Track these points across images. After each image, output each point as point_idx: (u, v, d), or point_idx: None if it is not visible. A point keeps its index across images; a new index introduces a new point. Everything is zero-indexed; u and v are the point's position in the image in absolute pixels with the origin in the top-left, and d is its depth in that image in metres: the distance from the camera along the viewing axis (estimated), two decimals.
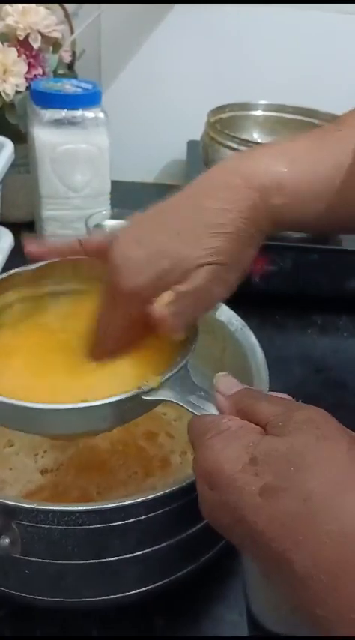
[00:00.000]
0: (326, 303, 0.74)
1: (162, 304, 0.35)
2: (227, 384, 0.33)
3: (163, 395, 0.34)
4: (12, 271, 0.43)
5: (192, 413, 0.33)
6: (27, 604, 0.38)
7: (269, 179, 0.37)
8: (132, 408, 0.35)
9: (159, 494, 0.35)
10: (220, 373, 0.34)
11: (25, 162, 0.76)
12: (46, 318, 0.44)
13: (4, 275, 0.43)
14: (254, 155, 0.39)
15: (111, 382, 0.37)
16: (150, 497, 0.35)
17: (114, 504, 0.34)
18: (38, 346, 0.41)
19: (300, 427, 0.27)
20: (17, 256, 0.76)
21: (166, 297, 0.35)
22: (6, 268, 0.72)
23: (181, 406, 0.34)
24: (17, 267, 0.68)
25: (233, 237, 0.36)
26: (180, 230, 0.36)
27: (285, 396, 0.31)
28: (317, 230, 0.41)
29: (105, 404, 0.33)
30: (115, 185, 0.76)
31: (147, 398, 0.34)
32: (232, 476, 0.26)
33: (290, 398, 0.31)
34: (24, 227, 0.78)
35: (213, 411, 0.32)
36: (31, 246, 0.42)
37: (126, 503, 0.34)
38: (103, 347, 0.39)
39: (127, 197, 0.78)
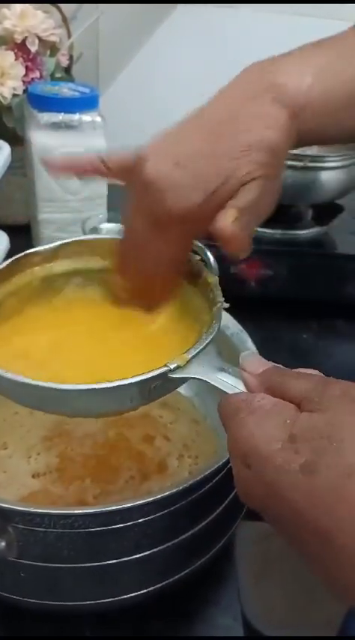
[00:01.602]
0: (322, 308, 0.74)
1: (229, 222, 0.35)
2: (254, 362, 0.32)
3: (191, 372, 0.34)
4: (30, 251, 0.43)
5: (222, 391, 0.32)
6: (21, 607, 0.38)
7: (300, 96, 0.37)
8: (159, 386, 0.34)
9: (155, 497, 0.35)
10: (245, 352, 0.33)
11: (21, 164, 0.76)
12: (68, 296, 0.44)
13: (20, 255, 0.43)
14: (278, 67, 0.39)
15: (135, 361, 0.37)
16: (145, 500, 0.35)
17: (109, 508, 0.34)
18: (61, 324, 0.42)
19: (336, 401, 0.26)
20: None
21: (230, 214, 0.35)
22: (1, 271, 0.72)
23: (209, 383, 0.33)
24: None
25: (275, 150, 0.36)
26: (223, 146, 0.35)
27: (313, 371, 0.31)
28: (341, 141, 0.41)
29: (132, 383, 0.33)
30: (111, 188, 0.76)
31: (174, 376, 0.34)
32: (271, 454, 0.26)
33: (319, 372, 0.30)
34: (20, 230, 0.78)
35: (243, 388, 0.32)
36: (50, 160, 0.41)
37: (122, 507, 0.35)
38: (149, 286, 0.38)
39: (123, 200, 0.78)
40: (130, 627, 0.42)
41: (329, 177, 0.69)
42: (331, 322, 0.74)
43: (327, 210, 0.73)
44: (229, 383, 0.32)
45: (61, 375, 0.35)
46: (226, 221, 0.34)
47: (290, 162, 0.68)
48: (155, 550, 0.37)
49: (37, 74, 0.72)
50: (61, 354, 0.40)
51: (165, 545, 0.38)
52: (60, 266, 0.45)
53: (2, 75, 0.68)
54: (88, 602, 0.38)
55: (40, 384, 0.32)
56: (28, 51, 0.70)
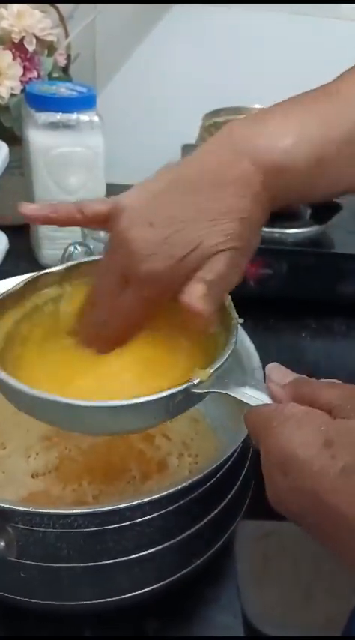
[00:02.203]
0: (320, 307, 0.74)
1: (198, 297, 0.34)
2: (280, 373, 0.33)
3: (214, 387, 0.34)
4: (41, 273, 0.43)
5: (247, 404, 0.33)
6: (21, 607, 0.38)
7: (276, 159, 0.36)
8: (182, 402, 0.35)
9: (154, 497, 0.35)
10: (271, 364, 0.34)
11: (19, 164, 0.76)
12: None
13: (31, 276, 0.42)
14: (258, 128, 0.37)
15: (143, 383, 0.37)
16: (144, 500, 0.35)
17: (108, 508, 0.35)
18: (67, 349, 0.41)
19: None
20: (12, 259, 0.76)
21: (199, 289, 0.35)
22: (4, 268, 0.72)
23: (233, 398, 0.34)
24: (11, 269, 0.68)
25: (247, 221, 0.36)
26: (195, 214, 0.35)
27: (334, 381, 0.32)
28: (317, 199, 0.40)
29: (158, 399, 0.33)
30: (108, 188, 0.76)
31: (198, 391, 0.34)
32: (308, 460, 0.27)
33: (340, 382, 0.32)
34: (19, 230, 0.78)
35: (267, 401, 0.32)
36: (26, 209, 0.41)
37: (121, 506, 0.35)
38: (107, 334, 0.38)
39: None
40: (129, 626, 0.42)
41: None
42: (329, 321, 0.74)
43: (326, 209, 0.73)
44: (253, 396, 0.33)
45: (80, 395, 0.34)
46: (195, 295, 0.34)
47: None
48: (155, 549, 0.37)
49: (34, 74, 0.71)
50: (73, 378, 0.39)
51: (164, 545, 0.38)
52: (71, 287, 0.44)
53: (0, 75, 0.68)
54: (88, 602, 0.38)
55: (71, 401, 0.33)
56: (26, 51, 0.70)
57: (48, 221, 0.40)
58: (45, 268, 0.43)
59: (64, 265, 0.43)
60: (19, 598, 0.37)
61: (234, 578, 0.46)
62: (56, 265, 0.44)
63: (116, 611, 0.41)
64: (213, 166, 0.36)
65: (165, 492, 0.35)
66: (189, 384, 0.34)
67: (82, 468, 0.48)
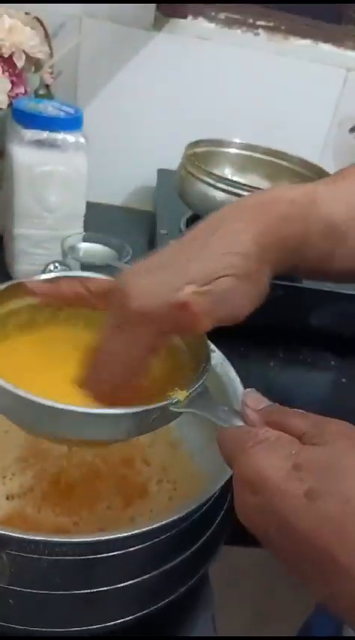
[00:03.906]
0: (289, 337, 0.77)
1: (187, 293, 0.35)
2: (254, 398, 0.35)
3: (190, 407, 0.37)
4: (18, 280, 0.43)
5: (220, 425, 0.35)
6: (6, 634, 0.38)
7: (272, 211, 0.38)
8: (157, 419, 0.36)
9: (152, 527, 0.35)
10: (247, 389, 0.36)
11: None
12: (56, 328, 0.46)
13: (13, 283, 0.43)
14: (260, 195, 0.40)
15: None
16: (141, 530, 0.35)
17: (106, 537, 0.35)
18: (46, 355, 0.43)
19: (335, 438, 0.30)
20: None
21: (189, 288, 0.35)
22: None
23: (208, 418, 0.36)
24: None
25: (247, 255, 0.36)
26: (192, 256, 0.36)
27: (302, 412, 0.34)
28: (317, 272, 0.41)
29: (134, 412, 0.35)
30: (89, 207, 0.76)
31: (174, 409, 0.36)
32: (277, 481, 0.29)
33: (306, 413, 0.34)
34: None
35: (240, 423, 0.34)
36: (33, 286, 0.42)
37: (119, 536, 0.35)
38: (103, 382, 0.39)
39: (96, 219, 0.78)
40: None
41: None
42: (296, 351, 0.77)
43: None
44: (226, 419, 0.35)
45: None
46: (183, 293, 0.35)
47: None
48: (143, 578, 0.38)
49: (22, 90, 0.71)
50: (52, 385, 0.40)
51: (153, 573, 0.38)
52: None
53: None
54: (75, 629, 0.38)
55: (44, 402, 0.33)
56: (14, 66, 0.70)
57: (53, 299, 0.43)
58: None
59: (44, 277, 0.45)
60: (5, 625, 0.37)
61: (209, 605, 0.46)
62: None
63: (100, 637, 0.41)
64: (218, 221, 0.38)
65: (163, 522, 0.35)
66: (168, 401, 0.36)
67: (61, 491, 0.48)
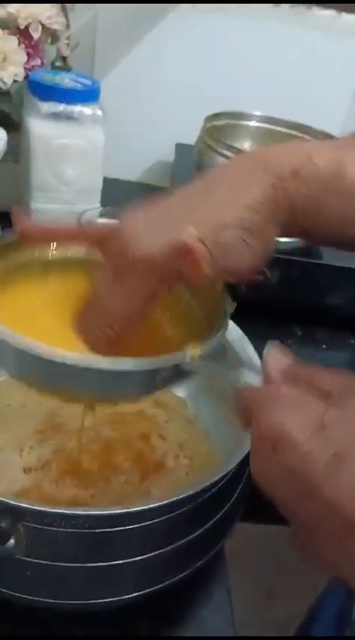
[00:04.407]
0: (307, 316, 0.76)
1: (190, 236, 0.33)
2: (278, 356, 0.32)
3: (205, 364, 0.34)
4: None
5: (237, 384, 0.33)
6: (23, 605, 0.38)
7: (285, 164, 0.35)
8: (167, 377, 0.34)
9: (168, 500, 0.35)
10: (270, 344, 0.33)
11: (12, 150, 0.75)
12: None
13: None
14: (273, 147, 0.37)
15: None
16: (157, 504, 0.35)
17: (122, 510, 0.35)
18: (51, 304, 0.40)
19: None
20: None
21: (193, 231, 0.33)
22: None
23: (215, 381, 0.34)
24: None
25: (253, 208, 0.34)
26: (197, 204, 0.35)
27: (329, 369, 0.31)
28: (330, 237, 0.38)
29: (143, 368, 0.33)
30: (106, 183, 0.75)
31: (188, 366, 0.34)
32: (301, 443, 0.27)
33: (335, 371, 0.31)
34: (4, 217, 0.77)
35: (258, 382, 0.32)
36: (23, 225, 0.39)
37: (134, 509, 0.35)
38: (100, 332, 0.36)
39: (113, 195, 0.77)
40: (121, 626, 0.42)
41: None
42: (313, 330, 0.76)
43: None
44: (244, 378, 0.33)
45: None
46: (185, 234, 0.33)
47: None
48: (159, 552, 0.38)
49: (38, 62, 0.70)
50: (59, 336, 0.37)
51: (169, 547, 0.38)
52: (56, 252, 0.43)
53: (4, 59, 0.66)
54: (90, 602, 0.38)
55: (51, 356, 0.31)
56: (31, 37, 0.69)
57: (47, 239, 0.41)
58: None
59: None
60: (22, 596, 0.37)
61: (225, 580, 0.47)
62: None
63: (110, 611, 0.41)
64: (222, 175, 0.36)
65: (181, 496, 0.35)
66: (180, 357, 0.33)
67: (78, 464, 0.48)
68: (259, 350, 0.51)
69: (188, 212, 0.34)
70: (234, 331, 0.50)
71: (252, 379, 0.44)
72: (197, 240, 0.33)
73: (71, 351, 0.33)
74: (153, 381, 0.34)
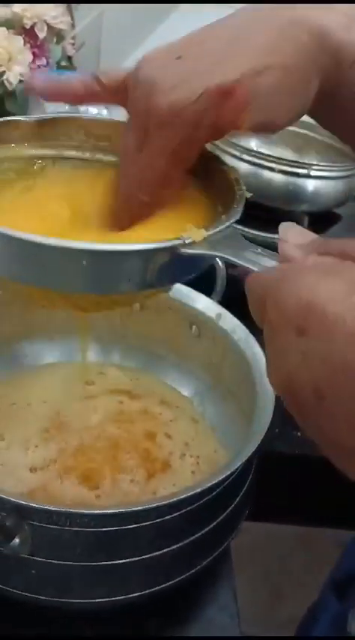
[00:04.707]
0: None
1: (227, 74, 0.28)
2: (298, 232, 0.26)
3: (210, 249, 0.28)
4: (7, 118, 0.37)
5: (250, 269, 0.26)
6: (28, 603, 0.38)
7: (327, 19, 0.29)
8: (165, 267, 0.29)
9: (173, 500, 0.35)
10: (286, 222, 0.26)
11: None
12: (50, 183, 0.38)
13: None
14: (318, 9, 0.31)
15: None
16: (163, 503, 0.35)
17: (127, 509, 0.35)
18: (43, 214, 0.35)
19: None
20: None
21: (230, 69, 0.28)
22: None
23: (233, 262, 0.27)
24: None
25: (299, 52, 0.29)
26: (234, 40, 0.29)
27: None
28: None
29: (137, 250, 0.28)
30: None
31: (187, 251, 0.28)
32: (338, 316, 0.20)
33: None
34: None
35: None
36: (38, 80, 0.35)
37: (140, 508, 0.35)
38: (134, 205, 0.32)
39: None
40: (128, 625, 0.42)
41: (329, 186, 0.70)
42: None
43: (325, 219, 0.74)
44: (258, 262, 0.26)
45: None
46: (222, 75, 0.28)
47: (293, 170, 0.69)
48: (165, 550, 0.38)
49: (43, 61, 0.70)
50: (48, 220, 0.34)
51: (174, 546, 0.38)
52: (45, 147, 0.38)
53: (10, 60, 0.66)
54: (95, 601, 0.38)
55: (33, 238, 0.27)
56: (36, 37, 0.69)
57: (62, 95, 0.34)
58: None
59: (36, 117, 0.37)
60: (27, 595, 0.37)
61: (231, 579, 0.46)
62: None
63: (116, 611, 0.41)
64: (251, 14, 0.31)
65: (187, 494, 0.35)
66: (178, 241, 0.28)
67: (84, 463, 0.48)
68: (263, 347, 0.51)
69: (224, 50, 0.29)
70: (238, 330, 0.50)
71: None
72: (237, 82, 0.28)
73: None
74: (147, 271, 0.29)
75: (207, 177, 0.36)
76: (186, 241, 0.28)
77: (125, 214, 0.33)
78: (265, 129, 0.31)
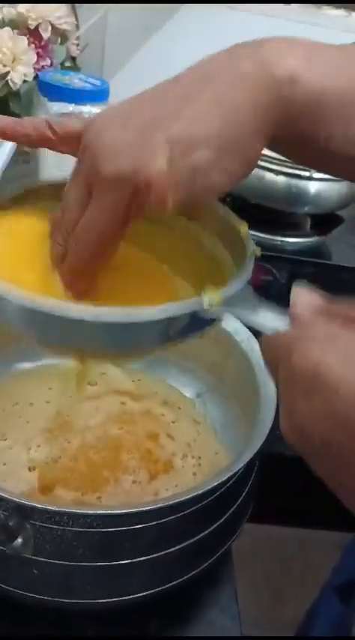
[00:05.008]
0: None
1: (158, 164, 0.29)
2: (307, 297, 0.28)
3: (227, 309, 0.29)
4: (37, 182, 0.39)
5: (262, 332, 0.29)
6: (30, 603, 0.38)
7: (282, 68, 0.30)
8: (183, 327, 0.30)
9: (175, 501, 0.35)
10: (297, 285, 0.29)
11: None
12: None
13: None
14: (266, 42, 0.32)
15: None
16: (166, 504, 0.35)
17: (130, 510, 0.35)
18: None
19: None
20: None
21: (161, 152, 0.29)
22: None
23: (248, 323, 0.30)
24: None
25: (239, 122, 0.30)
26: (175, 110, 0.30)
27: None
28: (324, 156, 0.33)
29: (158, 315, 0.28)
30: None
31: (207, 312, 0.29)
32: (341, 379, 0.23)
33: None
34: None
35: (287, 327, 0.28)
36: None
37: (142, 509, 0.35)
38: (71, 257, 0.32)
39: None
40: (129, 626, 0.42)
41: (331, 188, 0.71)
42: None
43: (327, 221, 0.74)
44: (271, 325, 0.28)
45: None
46: (155, 164, 0.29)
47: (295, 172, 0.69)
48: (166, 552, 0.38)
49: (47, 62, 0.71)
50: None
51: (175, 548, 0.38)
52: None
53: (14, 60, 0.66)
54: (96, 601, 0.38)
55: (51, 303, 0.28)
56: (41, 37, 0.69)
57: (13, 135, 0.35)
58: None
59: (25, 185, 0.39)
60: (29, 595, 0.37)
61: (232, 581, 0.47)
62: None
63: (118, 611, 0.41)
64: (211, 63, 0.32)
65: (189, 496, 0.35)
66: (197, 304, 0.29)
67: (86, 463, 0.48)
68: None
69: (164, 122, 0.30)
70: (241, 331, 0.50)
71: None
72: (161, 171, 0.29)
73: (69, 302, 0.29)
74: (167, 332, 0.30)
75: (215, 228, 0.37)
76: (204, 302, 0.29)
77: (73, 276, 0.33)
78: (204, 197, 0.32)
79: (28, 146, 0.37)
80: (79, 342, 0.30)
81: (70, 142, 0.33)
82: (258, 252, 0.34)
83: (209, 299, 0.29)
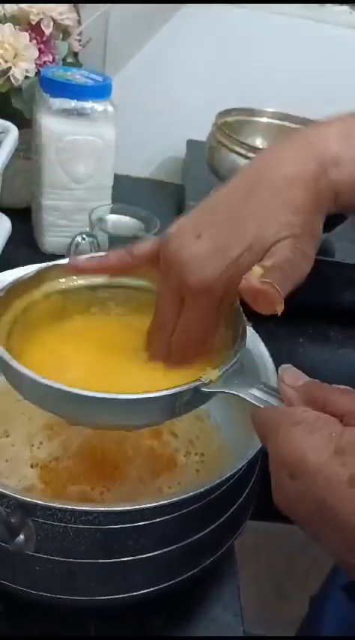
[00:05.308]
0: (318, 313, 0.75)
1: (255, 277, 0.33)
2: (293, 375, 0.33)
3: (223, 387, 0.35)
4: (49, 264, 0.43)
5: (255, 405, 0.33)
6: (31, 601, 0.38)
7: (328, 153, 0.36)
8: (188, 401, 0.35)
9: (179, 498, 0.35)
10: (285, 365, 0.34)
11: (24, 147, 0.75)
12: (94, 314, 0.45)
13: (35, 270, 0.43)
14: (320, 129, 0.38)
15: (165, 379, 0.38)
16: (168, 501, 0.35)
17: (132, 507, 0.35)
18: (92, 345, 0.42)
19: None
20: (13, 243, 0.75)
21: (256, 271, 0.33)
22: (4, 253, 0.71)
23: (242, 398, 0.34)
24: (12, 255, 0.67)
25: (302, 209, 0.35)
26: (247, 214, 0.35)
27: (348, 388, 0.32)
28: None
29: (166, 395, 0.34)
30: (116, 179, 0.75)
31: (207, 390, 0.35)
32: (318, 466, 0.27)
33: (349, 390, 0.31)
34: (18, 213, 0.77)
35: (275, 403, 0.33)
36: (79, 262, 0.43)
37: (144, 506, 0.35)
38: (175, 353, 0.38)
39: (124, 191, 0.77)
40: (132, 624, 0.42)
41: None
42: (325, 328, 0.75)
43: (330, 219, 0.74)
44: (261, 398, 0.34)
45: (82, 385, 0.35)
46: (251, 277, 0.33)
47: None
48: (169, 549, 0.38)
49: (49, 57, 0.70)
50: (77, 368, 0.40)
51: (179, 545, 0.38)
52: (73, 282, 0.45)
53: (15, 56, 0.66)
54: (99, 598, 0.38)
55: (75, 391, 0.33)
56: (42, 33, 0.69)
57: (101, 270, 0.42)
58: (46, 255, 0.44)
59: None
60: (31, 592, 0.37)
61: (235, 578, 0.46)
62: (62, 256, 0.45)
63: (120, 608, 0.41)
64: (272, 162, 0.36)
65: (192, 493, 0.35)
66: (199, 382, 0.34)
67: (89, 460, 0.48)
68: (269, 347, 0.51)
69: (238, 229, 0.35)
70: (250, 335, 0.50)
71: (271, 381, 0.44)
72: (265, 281, 0.33)
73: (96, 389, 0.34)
74: (174, 407, 0.35)
75: None
76: (205, 381, 0.35)
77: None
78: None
79: (113, 276, 0.43)
80: (99, 418, 0.36)
81: (149, 260, 0.39)
82: (249, 327, 0.40)
83: (209, 378, 0.35)
